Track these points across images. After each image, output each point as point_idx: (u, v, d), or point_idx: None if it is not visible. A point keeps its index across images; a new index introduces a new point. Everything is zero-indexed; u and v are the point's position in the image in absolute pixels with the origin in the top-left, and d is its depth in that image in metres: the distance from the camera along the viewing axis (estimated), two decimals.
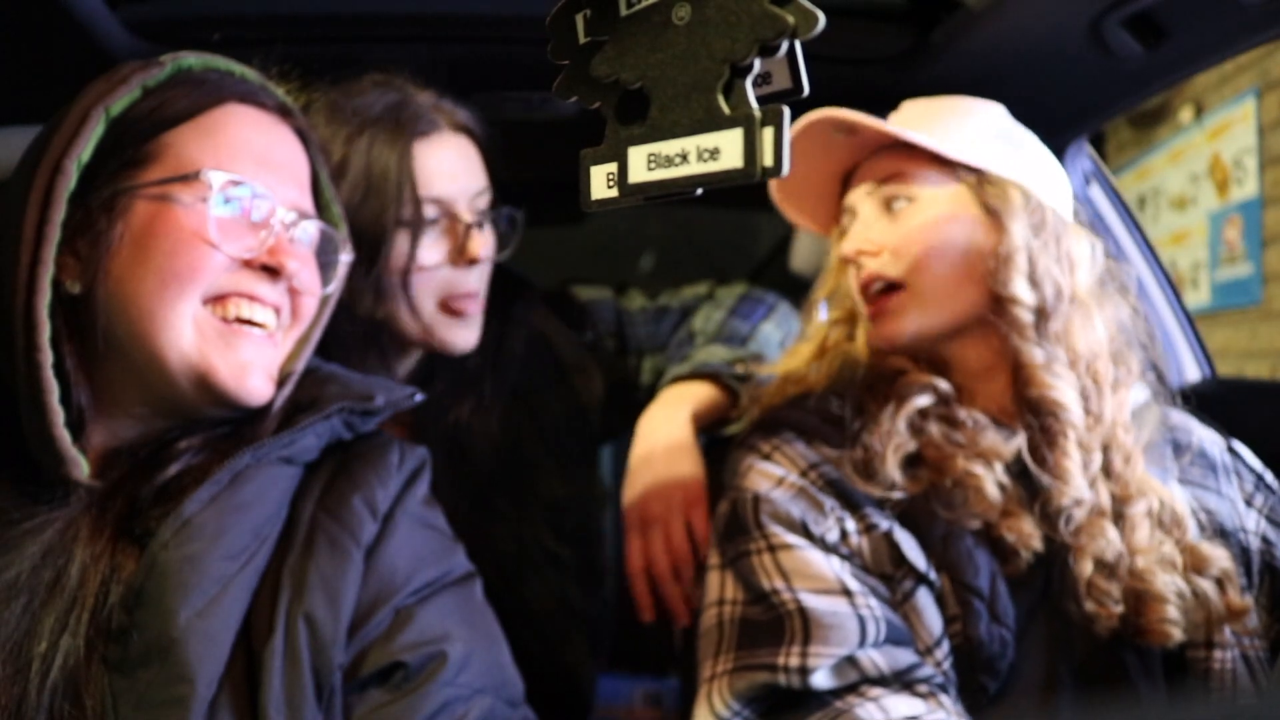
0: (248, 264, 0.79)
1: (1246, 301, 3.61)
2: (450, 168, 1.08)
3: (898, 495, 0.91)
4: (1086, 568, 0.88)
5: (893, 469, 0.91)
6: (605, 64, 0.49)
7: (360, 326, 1.08)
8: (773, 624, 0.83)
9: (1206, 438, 1.04)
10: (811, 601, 0.83)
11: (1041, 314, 0.95)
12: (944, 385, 0.97)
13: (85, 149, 0.75)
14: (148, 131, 0.78)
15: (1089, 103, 1.35)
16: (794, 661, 0.80)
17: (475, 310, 1.12)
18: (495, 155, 1.15)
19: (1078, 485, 0.90)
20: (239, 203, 0.79)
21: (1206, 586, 0.89)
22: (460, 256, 1.08)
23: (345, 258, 0.91)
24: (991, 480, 0.90)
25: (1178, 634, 0.87)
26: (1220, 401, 1.04)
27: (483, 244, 1.09)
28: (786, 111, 0.44)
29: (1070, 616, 0.88)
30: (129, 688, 0.68)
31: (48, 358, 0.73)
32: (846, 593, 0.84)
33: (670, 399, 1.17)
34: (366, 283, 1.05)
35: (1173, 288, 1.61)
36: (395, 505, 0.82)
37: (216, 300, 0.78)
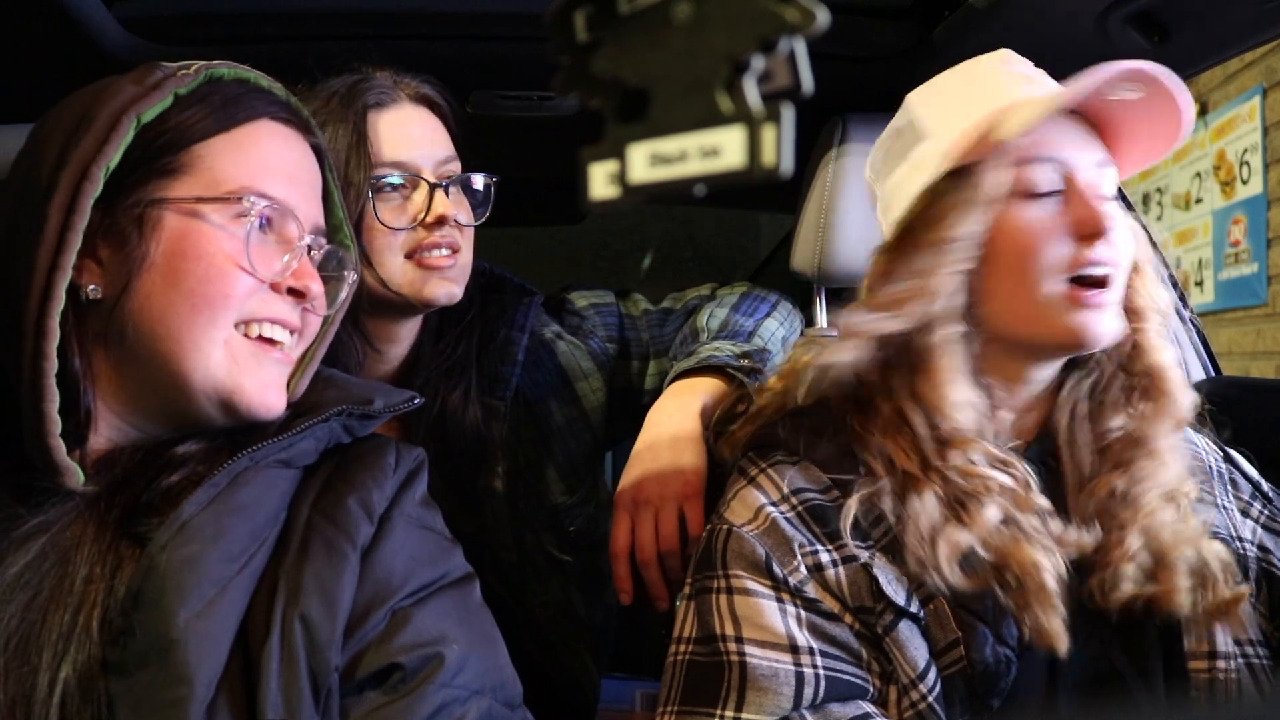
0: (274, 286, 0.80)
1: (1252, 301, 3.59)
2: (410, 134, 1.11)
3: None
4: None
5: (950, 573, 0.83)
6: (605, 61, 0.49)
7: None
8: (713, 672, 0.83)
9: (1203, 446, 1.02)
10: (754, 657, 0.82)
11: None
12: (1021, 472, 0.88)
13: (115, 156, 0.74)
14: (180, 142, 0.77)
15: None
16: None
17: (450, 264, 1.12)
18: (461, 126, 1.18)
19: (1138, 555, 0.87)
20: (272, 224, 0.80)
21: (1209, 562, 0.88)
22: (427, 216, 1.10)
23: (352, 276, 0.90)
24: (1053, 574, 0.83)
25: (1185, 604, 0.85)
26: (1225, 401, 1.03)
27: (450, 205, 1.11)
28: (788, 109, 0.44)
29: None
30: (127, 690, 0.68)
31: (53, 366, 0.73)
32: (793, 649, 0.82)
33: (682, 390, 1.16)
34: None
35: (1177, 287, 1.60)
36: (391, 507, 0.82)
37: (246, 322, 0.79)
